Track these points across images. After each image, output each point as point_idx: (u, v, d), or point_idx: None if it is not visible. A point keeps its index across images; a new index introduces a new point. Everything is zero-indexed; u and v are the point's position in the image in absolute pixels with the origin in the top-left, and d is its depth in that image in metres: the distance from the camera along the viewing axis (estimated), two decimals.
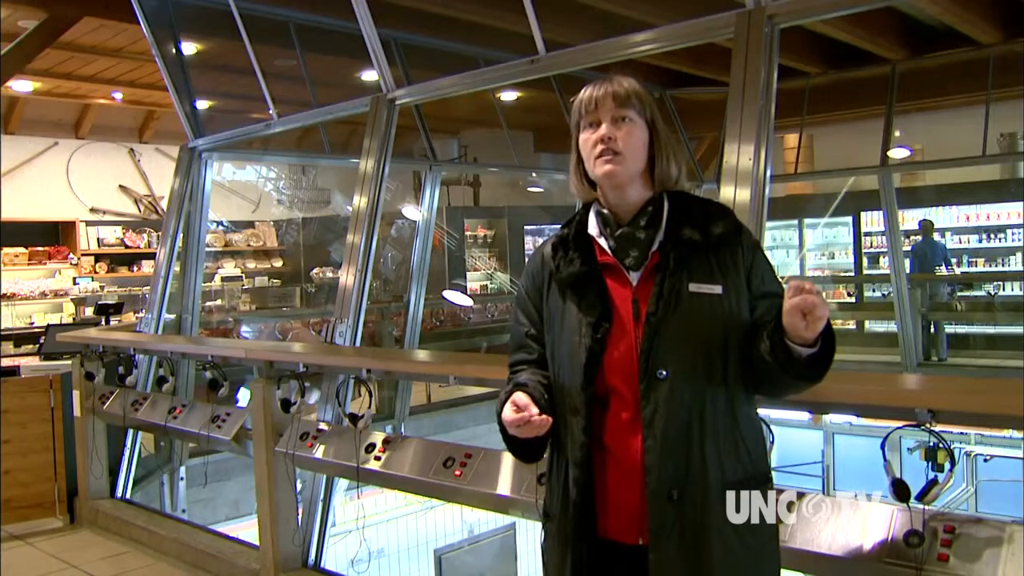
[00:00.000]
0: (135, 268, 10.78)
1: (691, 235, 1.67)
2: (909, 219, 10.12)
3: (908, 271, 9.27)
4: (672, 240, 1.68)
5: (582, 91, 1.72)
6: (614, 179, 1.68)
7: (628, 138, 1.67)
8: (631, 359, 1.64)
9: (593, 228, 1.74)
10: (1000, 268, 10.15)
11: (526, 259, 11.99)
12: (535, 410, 1.60)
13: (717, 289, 1.65)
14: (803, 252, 11.26)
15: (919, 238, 9.88)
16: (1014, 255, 9.98)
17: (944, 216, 10.32)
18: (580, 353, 1.65)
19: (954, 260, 10.03)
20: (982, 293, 9.74)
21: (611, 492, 1.66)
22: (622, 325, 1.66)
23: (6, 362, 5.70)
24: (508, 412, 1.61)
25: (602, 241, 1.72)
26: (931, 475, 2.08)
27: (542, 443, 1.72)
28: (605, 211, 1.73)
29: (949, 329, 9.04)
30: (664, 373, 1.61)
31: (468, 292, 10.89)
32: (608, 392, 1.65)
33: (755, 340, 1.64)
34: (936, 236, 9.92)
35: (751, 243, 1.72)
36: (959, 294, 9.44)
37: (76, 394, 5.06)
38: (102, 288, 10.31)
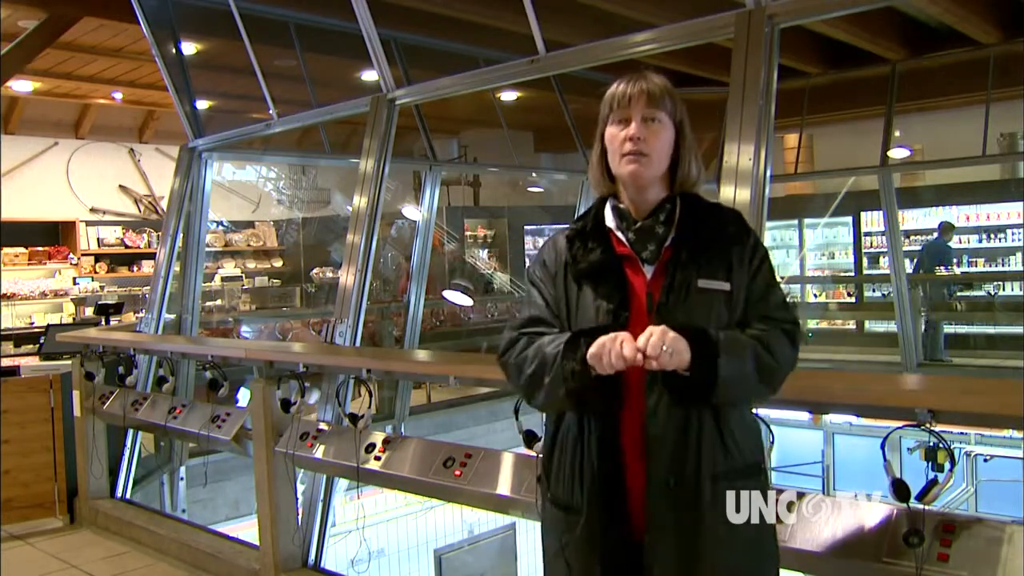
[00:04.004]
0: (135, 268, 10.77)
1: (703, 233, 1.72)
2: (909, 219, 10.12)
3: (914, 270, 9.28)
4: (684, 237, 1.72)
5: (614, 85, 1.74)
6: (639, 180, 1.71)
7: (656, 139, 1.70)
8: None
9: (610, 221, 1.77)
10: (1000, 268, 10.13)
11: (526, 259, 12.04)
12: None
13: (725, 286, 1.69)
14: (803, 252, 11.26)
15: (930, 237, 9.79)
16: (1014, 255, 9.97)
17: (944, 216, 10.31)
18: None
19: (954, 260, 10.03)
20: (982, 293, 9.73)
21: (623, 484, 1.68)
22: (638, 315, 1.68)
23: (6, 362, 5.69)
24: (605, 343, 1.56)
25: (619, 234, 1.75)
26: (931, 475, 2.08)
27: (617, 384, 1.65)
28: (622, 206, 1.76)
29: (949, 329, 9.02)
30: None
31: (470, 292, 10.86)
32: (623, 382, 1.66)
33: None
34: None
35: (762, 252, 1.76)
36: (959, 294, 9.43)
37: (76, 394, 5.05)
38: (102, 288, 10.31)
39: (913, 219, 10.27)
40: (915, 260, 9.60)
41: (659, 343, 1.52)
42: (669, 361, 1.54)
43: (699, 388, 1.60)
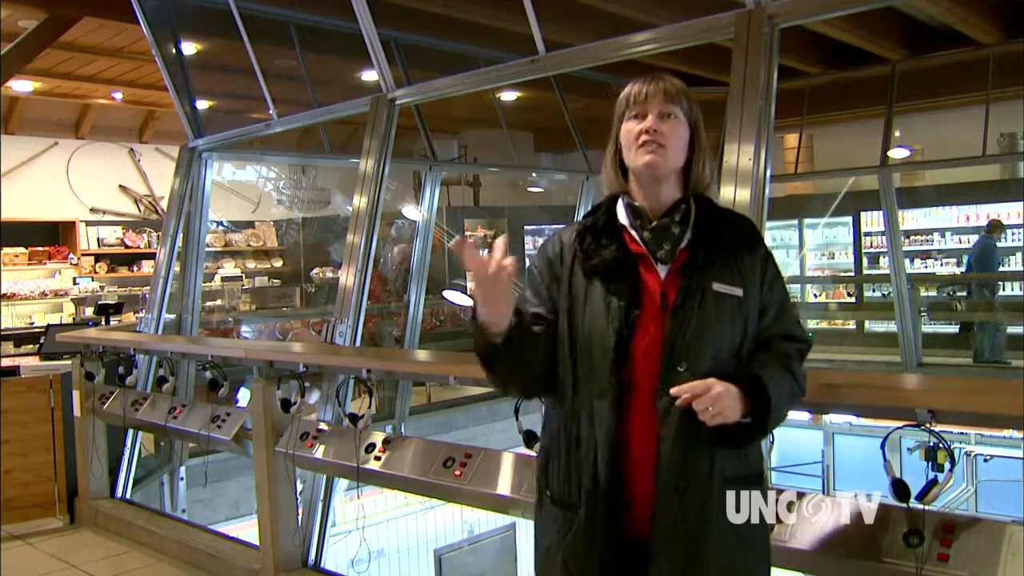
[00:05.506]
0: (135, 268, 10.78)
1: (718, 237, 1.72)
2: (909, 219, 10.12)
3: (965, 270, 9.21)
4: (702, 239, 1.72)
5: (629, 85, 1.74)
6: (654, 170, 1.70)
7: (673, 133, 1.70)
8: (656, 349, 1.65)
9: (624, 219, 1.76)
10: (1000, 268, 10.11)
11: (527, 259, 12.01)
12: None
13: (739, 291, 1.69)
14: (803, 252, 11.26)
15: (978, 236, 9.67)
16: (1014, 255, 9.97)
17: (944, 216, 10.31)
18: (609, 336, 1.66)
19: (952, 260, 10.00)
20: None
21: (625, 484, 1.67)
22: (651, 315, 1.67)
23: (6, 362, 5.70)
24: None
25: (633, 232, 1.74)
26: (931, 475, 2.08)
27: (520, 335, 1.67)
28: (637, 204, 1.74)
29: (952, 329, 8.97)
30: (684, 366, 1.63)
31: (468, 292, 10.85)
32: (631, 380, 1.66)
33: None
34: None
35: (769, 255, 1.78)
36: (958, 294, 9.42)
37: (76, 394, 5.05)
38: (102, 288, 10.31)
39: (914, 219, 10.27)
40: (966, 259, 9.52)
41: (707, 403, 1.56)
42: (711, 421, 1.57)
43: (749, 435, 1.66)
